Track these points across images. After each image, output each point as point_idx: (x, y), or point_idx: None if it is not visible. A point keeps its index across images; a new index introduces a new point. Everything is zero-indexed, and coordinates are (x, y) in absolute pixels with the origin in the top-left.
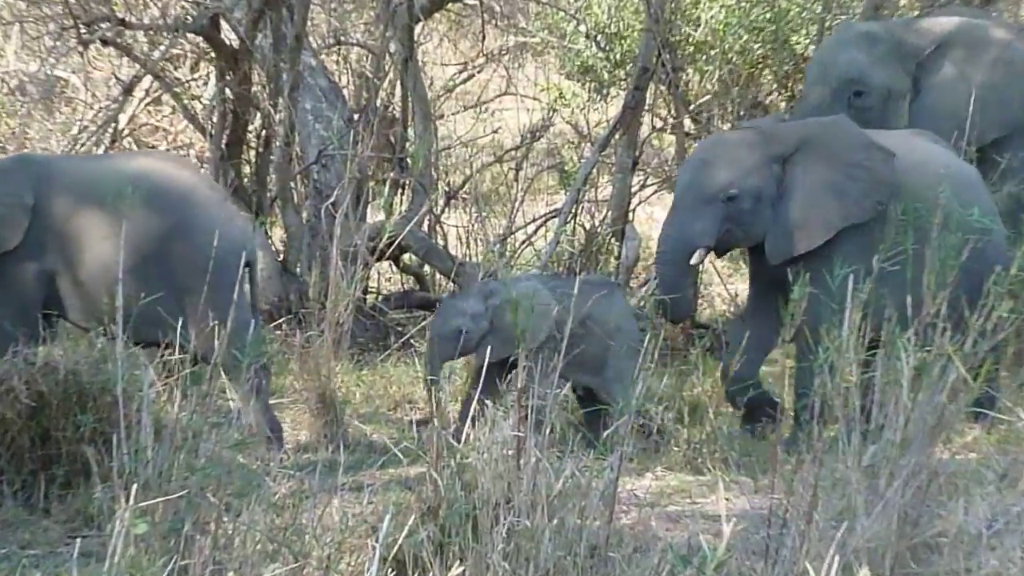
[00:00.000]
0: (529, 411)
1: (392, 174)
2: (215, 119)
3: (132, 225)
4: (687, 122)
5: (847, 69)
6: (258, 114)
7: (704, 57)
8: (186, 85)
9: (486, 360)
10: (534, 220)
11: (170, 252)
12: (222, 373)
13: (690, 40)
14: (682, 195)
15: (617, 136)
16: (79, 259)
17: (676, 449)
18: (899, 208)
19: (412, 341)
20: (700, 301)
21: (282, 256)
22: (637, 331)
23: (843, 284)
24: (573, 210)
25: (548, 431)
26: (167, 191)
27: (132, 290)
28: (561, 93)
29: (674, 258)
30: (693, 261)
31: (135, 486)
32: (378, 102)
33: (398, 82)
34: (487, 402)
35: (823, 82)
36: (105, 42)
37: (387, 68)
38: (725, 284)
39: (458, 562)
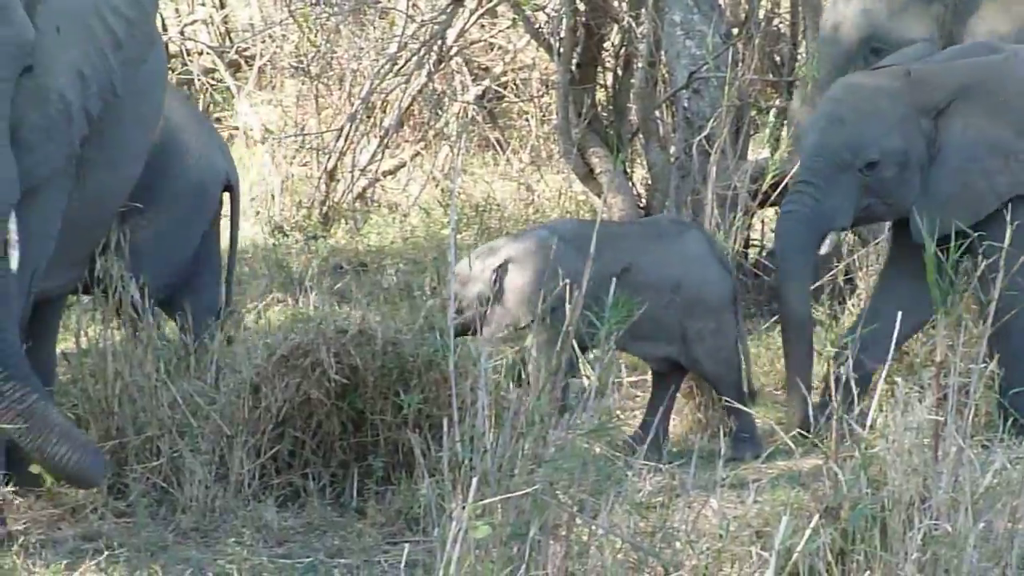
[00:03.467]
0: (950, 390)
1: (779, 101)
2: (563, 35)
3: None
4: None
5: (859, 22)
6: (616, 28)
7: None
8: None
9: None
10: None
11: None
12: None
13: None
14: (810, 163)
15: None
16: None
17: None
18: None
19: None
20: None
21: (644, 200)
22: (721, 288)
23: None
24: None
25: (972, 415)
26: None
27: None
28: None
29: (801, 245)
30: (823, 250)
31: (472, 481)
32: (762, 13)
33: None
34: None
35: (834, 41)
36: None
37: None
38: None
39: (864, 574)
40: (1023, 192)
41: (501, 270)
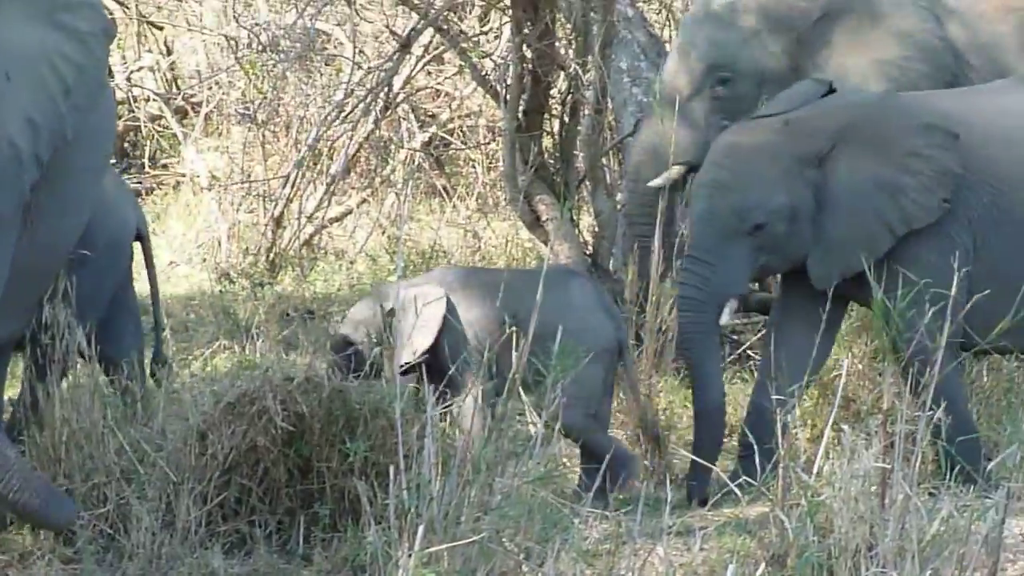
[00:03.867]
0: (897, 437)
1: None
2: (510, 82)
3: None
4: None
5: (707, 50)
6: (562, 75)
7: None
8: (474, 40)
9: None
10: None
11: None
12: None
13: None
14: (698, 236)
15: None
16: None
17: None
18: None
19: (751, 352)
20: None
21: (591, 249)
22: (599, 337)
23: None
24: None
25: (918, 462)
26: None
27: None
28: None
29: (703, 330)
30: (724, 320)
31: (418, 528)
32: None
33: None
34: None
35: (682, 69)
36: None
37: None
38: None
39: None
40: (916, 227)
41: (391, 315)
